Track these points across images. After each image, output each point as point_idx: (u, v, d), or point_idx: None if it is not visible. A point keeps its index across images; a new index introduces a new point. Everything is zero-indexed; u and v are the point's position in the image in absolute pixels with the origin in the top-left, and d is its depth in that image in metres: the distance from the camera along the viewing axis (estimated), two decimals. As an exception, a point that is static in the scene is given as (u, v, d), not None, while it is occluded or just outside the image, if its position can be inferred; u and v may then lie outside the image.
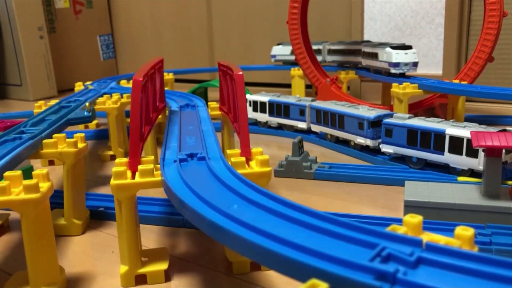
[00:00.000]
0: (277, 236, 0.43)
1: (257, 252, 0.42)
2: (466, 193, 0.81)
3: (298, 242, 0.41)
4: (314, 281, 0.37)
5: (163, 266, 0.66)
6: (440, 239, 0.43)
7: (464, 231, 0.43)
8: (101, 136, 1.42)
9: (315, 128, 1.31)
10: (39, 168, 0.66)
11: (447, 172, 0.97)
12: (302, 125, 1.35)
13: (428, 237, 0.44)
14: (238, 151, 0.69)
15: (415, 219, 0.45)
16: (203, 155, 0.66)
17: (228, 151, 0.69)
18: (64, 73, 2.44)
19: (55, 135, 0.80)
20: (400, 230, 0.44)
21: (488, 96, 1.16)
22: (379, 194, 0.95)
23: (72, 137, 0.80)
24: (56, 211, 0.84)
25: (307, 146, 1.17)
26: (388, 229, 0.44)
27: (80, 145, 0.81)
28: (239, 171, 0.62)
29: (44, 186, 0.61)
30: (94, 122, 1.52)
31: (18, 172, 0.61)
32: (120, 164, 0.67)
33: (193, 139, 0.76)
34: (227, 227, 0.45)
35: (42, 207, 0.60)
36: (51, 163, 1.21)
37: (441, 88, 1.24)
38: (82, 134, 0.83)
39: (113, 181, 0.63)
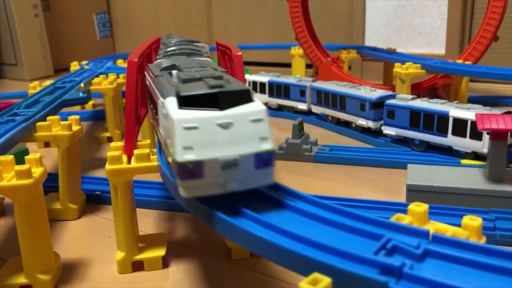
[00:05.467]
0: (277, 226, 0.41)
1: (256, 244, 0.41)
2: (470, 177, 0.79)
3: (299, 233, 0.39)
4: (316, 275, 0.35)
5: (160, 252, 0.65)
6: (447, 229, 0.42)
7: (472, 221, 0.42)
8: (97, 117, 1.39)
9: (316, 109, 1.29)
10: (35, 151, 0.64)
11: (450, 154, 0.96)
12: (302, 106, 1.33)
13: (434, 227, 0.43)
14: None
15: (421, 207, 0.43)
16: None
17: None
18: (61, 52, 2.40)
19: (49, 118, 0.78)
20: (405, 219, 0.42)
21: (493, 77, 1.13)
22: (381, 177, 0.93)
23: (67, 120, 0.78)
24: (51, 195, 0.82)
25: (307, 128, 1.15)
26: (393, 218, 0.42)
27: (75, 127, 0.78)
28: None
29: (37, 171, 0.59)
30: (91, 102, 1.49)
31: (10, 157, 0.59)
32: (115, 148, 0.65)
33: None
34: (226, 217, 0.44)
35: (35, 193, 0.58)
36: (47, 145, 1.19)
37: (444, 69, 1.21)
38: (77, 116, 0.81)
39: (108, 166, 0.61)
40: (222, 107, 0.43)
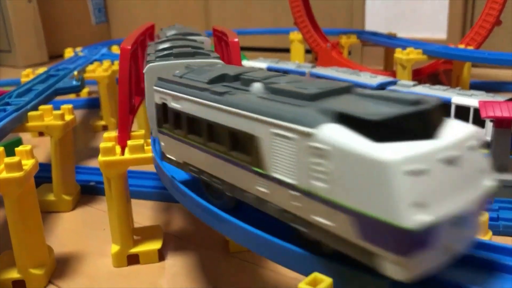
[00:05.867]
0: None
1: (254, 242, 0.39)
2: (473, 166, 0.77)
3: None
4: (316, 274, 0.34)
5: (156, 245, 0.63)
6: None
7: (478, 216, 0.40)
8: (92, 105, 1.37)
9: (315, 96, 1.26)
10: (28, 140, 0.62)
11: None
12: (301, 92, 1.30)
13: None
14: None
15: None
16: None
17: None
18: (55, 38, 2.36)
19: (41, 107, 0.76)
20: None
21: (496, 62, 1.11)
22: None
23: (60, 109, 0.76)
24: (45, 186, 0.81)
25: (306, 115, 1.13)
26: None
27: (68, 117, 0.76)
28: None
29: (28, 163, 0.57)
30: (85, 90, 1.46)
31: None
32: (108, 139, 0.63)
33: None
34: (224, 214, 0.42)
35: (26, 186, 0.56)
36: (41, 134, 1.17)
37: (446, 54, 1.19)
38: (70, 106, 0.78)
39: (101, 158, 0.59)
40: (428, 134, 0.30)
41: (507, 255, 0.36)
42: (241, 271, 0.60)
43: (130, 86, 0.68)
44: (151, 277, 0.60)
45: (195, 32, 0.77)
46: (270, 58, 1.47)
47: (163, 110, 0.48)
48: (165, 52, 0.58)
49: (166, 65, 0.55)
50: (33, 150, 0.60)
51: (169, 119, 0.47)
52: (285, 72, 1.32)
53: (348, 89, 0.36)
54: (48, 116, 0.75)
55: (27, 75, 1.11)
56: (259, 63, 1.41)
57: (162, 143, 0.50)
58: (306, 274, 0.34)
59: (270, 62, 1.41)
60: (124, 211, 0.61)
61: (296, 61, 1.58)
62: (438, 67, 1.39)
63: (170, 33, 0.77)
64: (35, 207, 0.59)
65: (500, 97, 0.89)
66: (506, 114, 0.74)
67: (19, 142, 0.97)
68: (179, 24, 0.92)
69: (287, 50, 1.81)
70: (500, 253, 0.36)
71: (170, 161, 0.50)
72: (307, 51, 1.78)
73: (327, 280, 0.33)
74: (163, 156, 0.51)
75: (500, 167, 0.75)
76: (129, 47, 0.66)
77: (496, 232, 0.64)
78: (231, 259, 0.63)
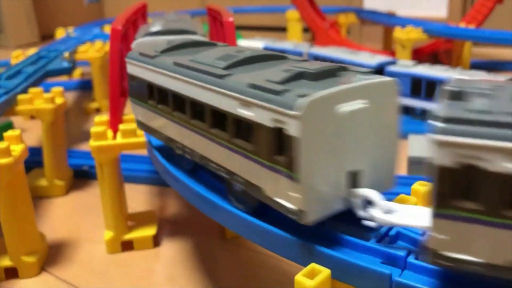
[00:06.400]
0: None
1: (249, 230, 0.38)
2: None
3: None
4: (314, 265, 0.32)
5: (151, 231, 0.62)
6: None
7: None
8: (85, 87, 1.34)
9: (313, 76, 1.24)
10: (20, 124, 0.60)
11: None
12: (298, 73, 1.28)
13: (440, 208, 0.39)
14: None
15: (425, 187, 0.40)
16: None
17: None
18: (47, 17, 2.31)
19: (31, 90, 0.74)
20: (410, 201, 0.39)
21: (498, 41, 1.09)
22: (380, 148, 0.90)
23: (50, 92, 0.74)
24: (37, 171, 0.79)
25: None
26: (396, 200, 0.39)
27: (58, 100, 0.74)
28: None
29: (17, 149, 0.55)
30: (78, 71, 1.43)
31: (-14, 134, 0.55)
32: (100, 123, 0.61)
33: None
34: (216, 200, 0.40)
35: (15, 172, 0.55)
36: (33, 116, 1.14)
37: (447, 33, 1.16)
38: (61, 88, 0.76)
39: (92, 143, 0.58)
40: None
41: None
42: (237, 256, 0.59)
43: (122, 68, 0.66)
44: (146, 263, 0.59)
45: (187, 28, 0.62)
46: (267, 37, 1.44)
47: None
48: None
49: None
50: (25, 134, 0.58)
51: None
52: (282, 52, 1.30)
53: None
54: (38, 99, 0.73)
55: (17, 56, 1.08)
56: (255, 42, 1.38)
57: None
58: (304, 264, 0.33)
59: (266, 41, 1.38)
60: (117, 197, 0.60)
61: (294, 40, 1.55)
62: (439, 47, 1.37)
63: (155, 28, 0.62)
64: (26, 194, 0.58)
65: (501, 77, 0.87)
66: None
67: (10, 126, 0.95)
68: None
69: (284, 29, 1.78)
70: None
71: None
72: (305, 30, 1.74)
73: (325, 272, 0.32)
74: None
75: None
76: (120, 28, 0.63)
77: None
78: (228, 244, 0.62)
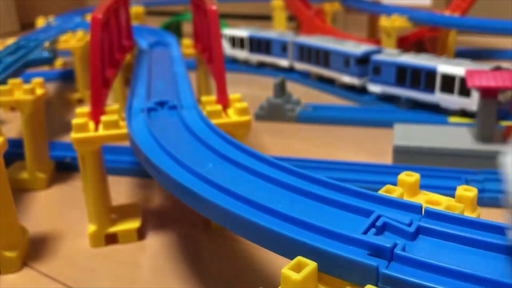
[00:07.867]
0: (257, 202, 0.37)
1: (234, 222, 0.37)
2: (458, 137, 0.76)
3: (281, 211, 0.36)
4: (300, 258, 0.32)
5: (135, 223, 0.61)
6: (440, 201, 0.39)
7: (466, 192, 0.39)
8: (67, 77, 1.32)
9: (298, 65, 1.23)
10: (0, 115, 0.58)
11: (438, 112, 0.93)
12: (284, 62, 1.27)
13: (426, 198, 0.40)
14: (213, 98, 0.62)
15: (411, 177, 0.40)
16: (175, 104, 0.59)
17: (203, 98, 0.63)
18: (26, 5, 2.26)
19: (10, 81, 0.72)
20: (396, 191, 0.39)
21: (483, 30, 1.09)
22: (366, 137, 0.90)
23: (30, 83, 0.72)
24: (18, 164, 0.77)
25: (289, 85, 1.10)
26: (382, 191, 0.39)
27: (39, 91, 0.73)
28: (215, 121, 0.55)
29: (-5, 142, 0.54)
30: (60, 61, 1.40)
31: (-37, 127, 0.53)
32: (81, 115, 0.60)
33: (163, 84, 0.68)
34: (199, 191, 0.40)
35: (-7, 166, 0.53)
36: (13, 108, 1.12)
37: (432, 21, 1.16)
38: (41, 79, 0.74)
39: (73, 135, 0.56)
40: None
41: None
42: (223, 249, 0.59)
43: (103, 58, 0.64)
44: (131, 257, 0.58)
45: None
46: (252, 26, 1.43)
47: None
48: None
49: None
50: (6, 126, 0.57)
51: None
52: (267, 41, 1.29)
53: None
54: (18, 90, 0.71)
55: (-5, 46, 1.05)
56: (240, 32, 1.36)
57: None
58: (290, 257, 0.33)
59: (251, 30, 1.37)
60: (100, 189, 0.59)
61: (279, 29, 1.54)
62: (424, 35, 1.37)
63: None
64: (5, 187, 0.56)
65: (486, 66, 0.87)
66: (492, 83, 0.73)
67: (-11, 118, 0.93)
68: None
69: (269, 18, 1.76)
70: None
71: None
72: (290, 19, 1.73)
73: (311, 264, 0.31)
74: None
75: (485, 137, 0.74)
76: (101, 16, 0.61)
77: (480, 203, 0.64)
78: (213, 236, 0.61)
